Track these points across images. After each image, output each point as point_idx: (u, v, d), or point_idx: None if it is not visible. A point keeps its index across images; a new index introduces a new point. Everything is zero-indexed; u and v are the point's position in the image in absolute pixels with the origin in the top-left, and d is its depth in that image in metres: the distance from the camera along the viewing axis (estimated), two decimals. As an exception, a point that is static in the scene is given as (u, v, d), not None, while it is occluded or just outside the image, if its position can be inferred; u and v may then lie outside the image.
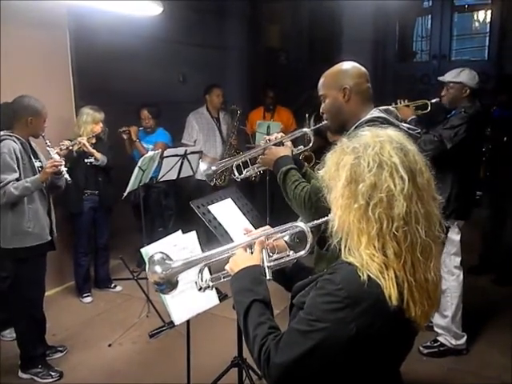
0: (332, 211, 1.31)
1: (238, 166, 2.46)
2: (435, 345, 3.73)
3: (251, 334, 1.32)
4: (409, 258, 1.19)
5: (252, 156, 2.46)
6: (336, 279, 1.20)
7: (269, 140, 2.39)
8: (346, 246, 1.25)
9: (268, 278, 1.48)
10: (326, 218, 1.41)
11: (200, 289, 1.62)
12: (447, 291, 3.66)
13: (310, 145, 2.40)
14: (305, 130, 2.41)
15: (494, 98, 5.03)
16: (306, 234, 1.48)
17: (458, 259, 3.70)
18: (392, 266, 1.19)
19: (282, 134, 2.44)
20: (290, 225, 1.54)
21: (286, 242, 1.63)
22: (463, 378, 3.51)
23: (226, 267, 1.53)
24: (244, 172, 2.46)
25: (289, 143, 2.38)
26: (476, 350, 3.79)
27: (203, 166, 2.61)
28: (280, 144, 2.36)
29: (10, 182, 3.27)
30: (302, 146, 2.45)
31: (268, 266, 1.51)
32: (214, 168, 2.54)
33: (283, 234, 1.57)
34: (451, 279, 3.66)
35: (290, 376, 1.22)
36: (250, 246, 1.54)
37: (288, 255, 1.55)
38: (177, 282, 1.60)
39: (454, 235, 3.65)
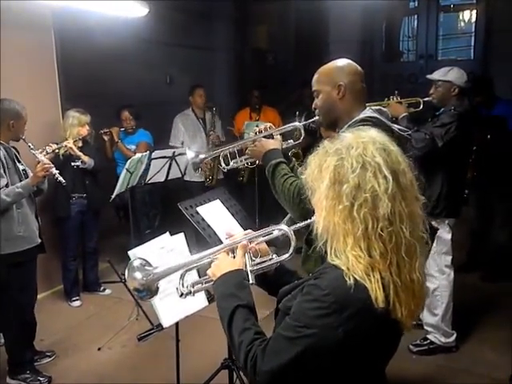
0: (316, 213, 1.30)
1: (225, 158, 2.41)
2: (425, 343, 3.73)
3: (236, 340, 1.30)
4: (394, 259, 1.19)
5: (241, 147, 2.42)
6: (322, 284, 1.20)
7: (259, 132, 2.34)
8: (331, 248, 1.24)
9: (251, 282, 1.46)
10: (309, 220, 1.41)
11: (181, 295, 1.57)
12: (437, 290, 3.66)
13: (301, 139, 2.37)
14: (296, 123, 2.38)
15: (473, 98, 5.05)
16: (289, 237, 1.45)
17: (449, 258, 3.69)
18: (378, 268, 1.18)
19: (271, 124, 2.39)
20: (272, 228, 1.51)
21: (274, 238, 1.58)
22: (453, 375, 3.51)
23: (208, 272, 1.50)
24: (231, 163, 2.41)
25: (279, 137, 2.34)
26: (466, 347, 3.80)
27: (190, 154, 2.55)
28: (270, 137, 2.32)
29: (0, 189, 3.23)
30: (291, 141, 2.42)
31: (251, 271, 1.48)
32: (201, 156, 2.48)
33: (266, 237, 1.54)
34: (441, 278, 3.66)
35: (278, 382, 1.22)
36: (233, 250, 1.51)
37: (271, 259, 1.52)
38: (157, 288, 1.57)
39: (445, 234, 3.64)
